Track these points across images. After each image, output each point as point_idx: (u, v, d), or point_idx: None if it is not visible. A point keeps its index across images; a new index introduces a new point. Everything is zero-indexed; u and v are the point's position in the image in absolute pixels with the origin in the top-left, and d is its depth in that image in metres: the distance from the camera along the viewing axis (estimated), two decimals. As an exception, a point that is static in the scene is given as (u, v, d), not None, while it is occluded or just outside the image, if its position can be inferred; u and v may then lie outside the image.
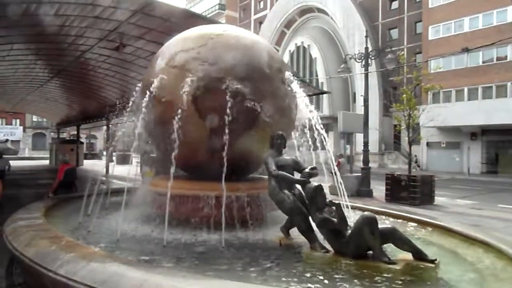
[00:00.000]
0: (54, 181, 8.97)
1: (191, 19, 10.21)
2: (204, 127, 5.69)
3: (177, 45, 6.29)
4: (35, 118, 57.42)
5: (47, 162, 34.73)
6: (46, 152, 42.77)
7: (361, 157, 16.88)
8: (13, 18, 9.85)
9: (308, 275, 4.05)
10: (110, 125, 25.82)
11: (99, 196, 6.54)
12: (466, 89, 30.96)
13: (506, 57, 29.03)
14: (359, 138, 22.30)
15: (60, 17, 10.65)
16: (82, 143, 36.29)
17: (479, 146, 31.39)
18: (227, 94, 5.47)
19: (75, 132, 35.84)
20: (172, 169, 5.31)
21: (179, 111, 5.34)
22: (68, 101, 26.48)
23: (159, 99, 5.82)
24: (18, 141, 55.98)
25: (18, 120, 56.89)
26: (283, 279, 3.93)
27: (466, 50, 24.87)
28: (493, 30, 27.62)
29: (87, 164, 32.04)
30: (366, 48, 17.09)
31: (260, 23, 53.63)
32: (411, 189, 13.93)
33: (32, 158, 43.25)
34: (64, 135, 50.67)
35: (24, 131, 57.32)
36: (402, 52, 20.43)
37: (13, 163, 15.61)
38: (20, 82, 20.66)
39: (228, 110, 5.35)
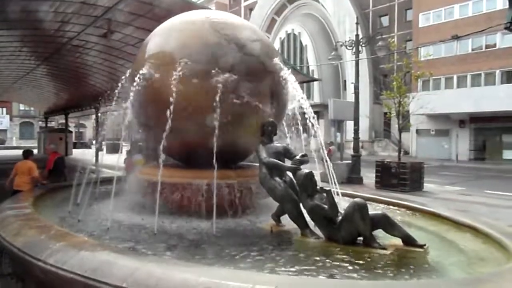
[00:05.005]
0: (44, 170, 8.86)
1: (181, 5, 10.04)
2: (193, 115, 5.62)
3: (166, 32, 6.17)
4: (22, 107, 56.46)
5: (35, 151, 34.24)
6: (34, 142, 42.21)
7: (352, 144, 16.99)
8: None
9: (299, 261, 4.07)
10: (99, 114, 25.51)
11: (88, 185, 6.47)
12: (455, 77, 31.16)
13: (495, 45, 29.22)
14: (349, 125, 22.40)
15: (45, 3, 10.39)
16: (70, 132, 35.90)
17: (467, 133, 31.78)
18: (216, 82, 5.41)
19: (64, 121, 35.36)
20: (162, 157, 5.27)
21: (170, 99, 5.26)
22: (56, 89, 26.07)
23: (148, 86, 5.73)
24: (5, 130, 55.20)
25: (4, 109, 55.86)
26: (274, 265, 3.95)
27: (456, 37, 24.90)
28: (483, 17, 27.71)
29: (76, 153, 31.70)
30: (357, 35, 17.05)
31: (251, 10, 53.05)
32: (401, 176, 14.09)
33: (19, 148, 42.53)
34: (52, 124, 49.94)
35: (11, 120, 56.41)
36: (393, 40, 20.40)
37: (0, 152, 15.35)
38: (5, 70, 20.22)
39: (217, 98, 5.29)
